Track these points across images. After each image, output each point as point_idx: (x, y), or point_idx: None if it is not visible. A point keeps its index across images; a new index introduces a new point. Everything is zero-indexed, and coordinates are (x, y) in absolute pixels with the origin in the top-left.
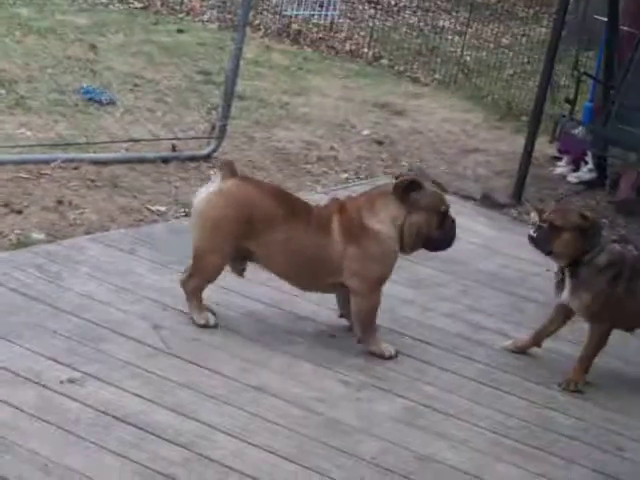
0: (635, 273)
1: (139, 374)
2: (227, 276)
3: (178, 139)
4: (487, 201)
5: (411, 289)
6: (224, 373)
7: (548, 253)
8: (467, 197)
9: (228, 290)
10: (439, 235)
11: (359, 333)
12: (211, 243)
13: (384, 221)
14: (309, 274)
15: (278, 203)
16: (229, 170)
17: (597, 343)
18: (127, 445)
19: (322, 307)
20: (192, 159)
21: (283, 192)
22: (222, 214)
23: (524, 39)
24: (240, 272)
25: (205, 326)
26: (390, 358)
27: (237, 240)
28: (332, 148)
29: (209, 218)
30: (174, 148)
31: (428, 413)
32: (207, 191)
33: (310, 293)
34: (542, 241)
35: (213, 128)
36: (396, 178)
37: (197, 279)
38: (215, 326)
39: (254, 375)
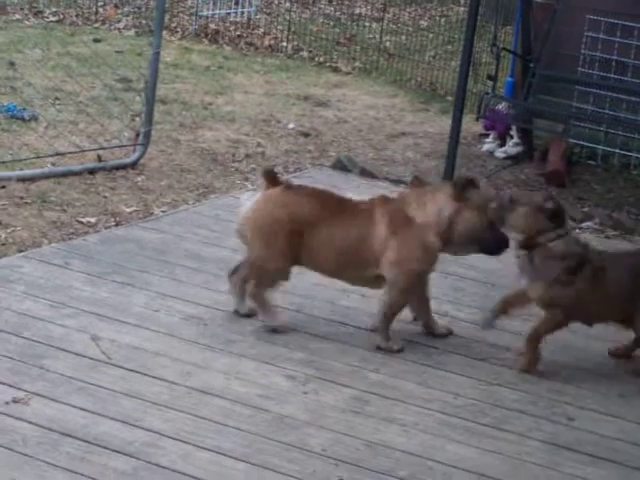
0: (596, 269)
1: (83, 387)
2: (161, 281)
3: (103, 149)
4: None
5: None
6: (167, 379)
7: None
8: (398, 181)
9: (165, 295)
10: (491, 236)
11: (377, 322)
12: (265, 252)
13: (429, 215)
14: (354, 268)
15: (318, 204)
16: (271, 179)
17: (548, 328)
18: (76, 460)
19: None
20: (119, 168)
21: (324, 193)
22: (268, 220)
23: (443, 20)
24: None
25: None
26: (397, 352)
27: (289, 243)
28: (259, 144)
29: (256, 227)
30: (100, 158)
31: (376, 400)
32: (250, 201)
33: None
34: (499, 220)
35: (137, 135)
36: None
37: (261, 289)
38: (289, 329)
39: (197, 378)
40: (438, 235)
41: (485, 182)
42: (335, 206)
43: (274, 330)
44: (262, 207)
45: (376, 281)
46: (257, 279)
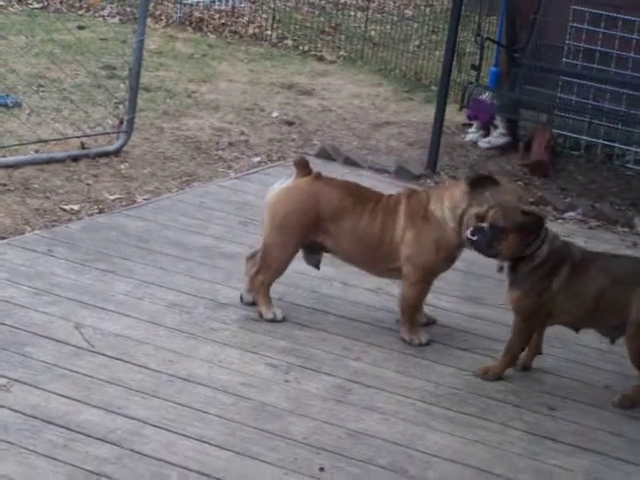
0: (574, 269)
1: (65, 375)
2: (144, 269)
3: (87, 136)
4: (402, 173)
5: (331, 267)
6: (150, 366)
7: (493, 256)
8: (382, 170)
9: (148, 283)
10: None
11: (399, 316)
12: (277, 238)
13: (445, 209)
14: (376, 260)
15: (345, 195)
16: (303, 168)
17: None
18: (58, 447)
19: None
20: (102, 155)
21: (353, 185)
22: (289, 210)
23: (427, 9)
24: (316, 264)
25: (273, 321)
26: (420, 345)
27: (305, 234)
28: (242, 133)
29: (276, 214)
30: (83, 146)
31: (357, 389)
32: (279, 187)
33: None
34: (485, 246)
35: (121, 122)
36: None
37: (264, 274)
38: (282, 320)
39: (180, 366)
40: (456, 232)
41: (508, 178)
42: (363, 198)
43: (271, 320)
44: (288, 194)
45: (398, 275)
46: (265, 264)
